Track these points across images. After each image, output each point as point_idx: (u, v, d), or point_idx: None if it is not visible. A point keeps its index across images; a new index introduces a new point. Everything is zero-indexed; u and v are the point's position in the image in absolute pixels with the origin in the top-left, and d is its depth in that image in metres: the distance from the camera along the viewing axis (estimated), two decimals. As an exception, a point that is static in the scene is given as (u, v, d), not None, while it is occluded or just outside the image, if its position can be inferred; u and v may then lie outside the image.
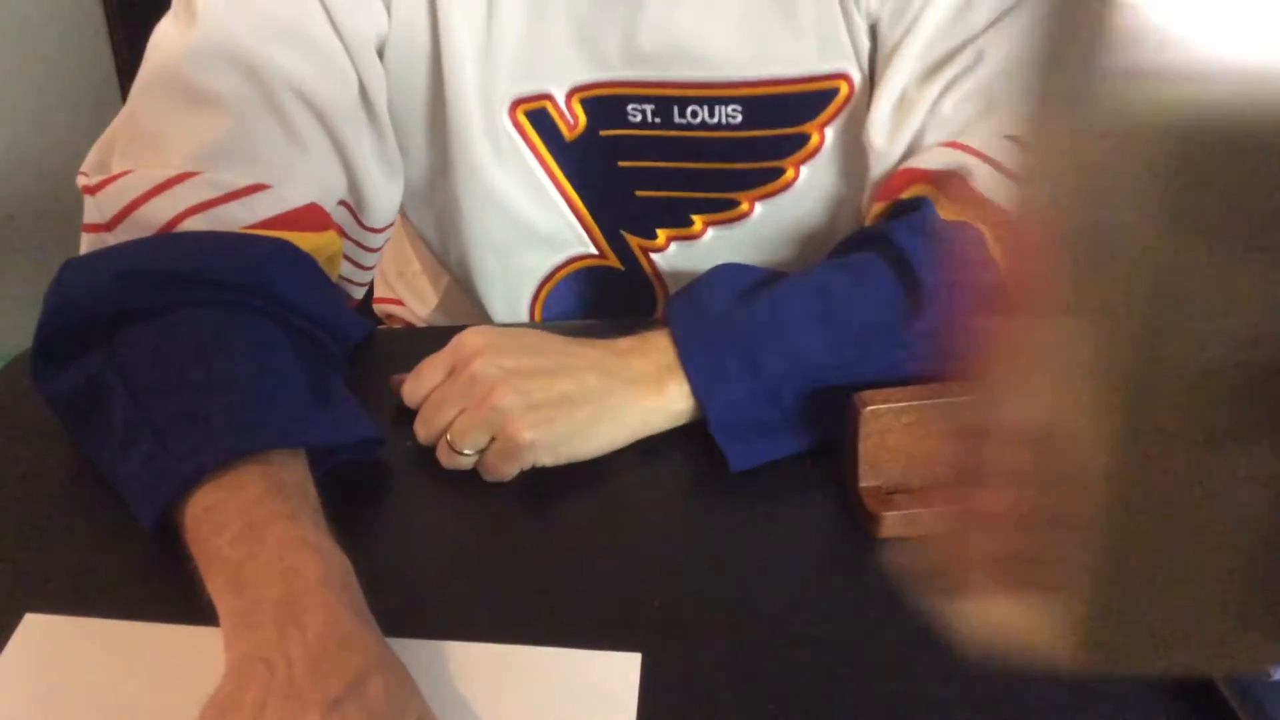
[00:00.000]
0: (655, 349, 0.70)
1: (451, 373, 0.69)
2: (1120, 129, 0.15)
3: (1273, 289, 0.16)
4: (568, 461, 0.68)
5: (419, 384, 0.70)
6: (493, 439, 0.67)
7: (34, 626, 0.60)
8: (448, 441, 0.68)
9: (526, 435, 0.66)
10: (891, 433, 0.65)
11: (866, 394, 0.65)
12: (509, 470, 0.67)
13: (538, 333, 0.72)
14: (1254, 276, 0.16)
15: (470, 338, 0.70)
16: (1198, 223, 0.16)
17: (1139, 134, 0.15)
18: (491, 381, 0.67)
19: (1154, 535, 0.17)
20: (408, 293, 1.01)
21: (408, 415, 0.72)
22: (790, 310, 0.70)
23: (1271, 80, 0.15)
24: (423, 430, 0.69)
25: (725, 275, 0.73)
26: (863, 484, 0.66)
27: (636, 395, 0.69)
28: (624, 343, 0.71)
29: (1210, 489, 0.17)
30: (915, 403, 0.65)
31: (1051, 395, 0.17)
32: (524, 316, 0.89)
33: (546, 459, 0.68)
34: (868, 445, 0.65)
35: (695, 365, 0.69)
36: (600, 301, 0.89)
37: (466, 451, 0.67)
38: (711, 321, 0.70)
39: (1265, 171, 0.15)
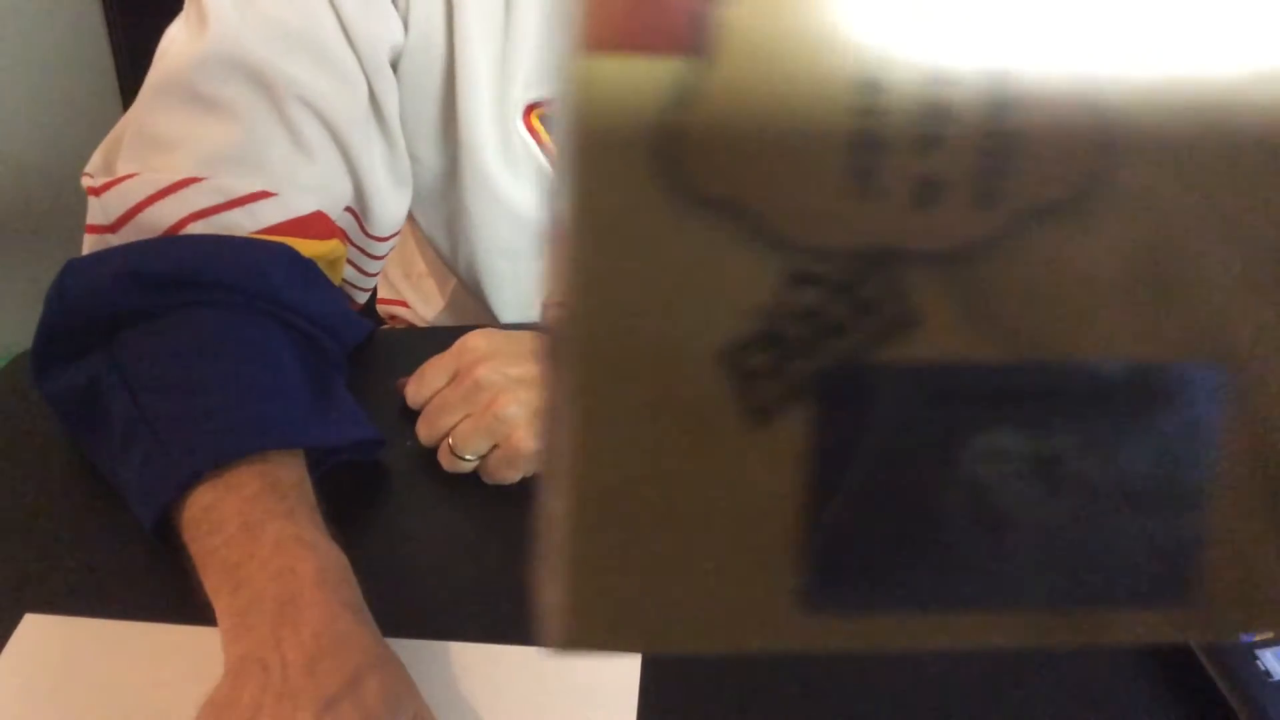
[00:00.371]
0: None
1: (455, 377, 0.69)
2: (597, 102, 0.16)
3: (754, 260, 0.16)
4: None
5: (422, 386, 0.70)
6: (495, 446, 0.67)
7: (34, 626, 0.60)
8: (449, 445, 0.68)
9: (529, 444, 0.66)
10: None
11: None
12: (511, 476, 0.68)
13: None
14: (738, 248, 0.16)
15: (474, 341, 0.70)
16: (682, 197, 0.16)
17: (616, 109, 0.16)
18: (495, 389, 0.67)
19: (647, 513, 0.17)
20: (413, 294, 1.01)
21: (409, 415, 0.72)
22: None
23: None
24: (425, 432, 0.69)
25: None
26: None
27: None
28: None
29: (719, 468, 0.17)
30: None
31: (549, 379, 0.17)
32: (534, 317, 0.89)
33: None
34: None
35: None
36: None
37: (468, 457, 0.68)
38: None
39: (742, 145, 0.16)
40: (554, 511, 0.18)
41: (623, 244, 0.16)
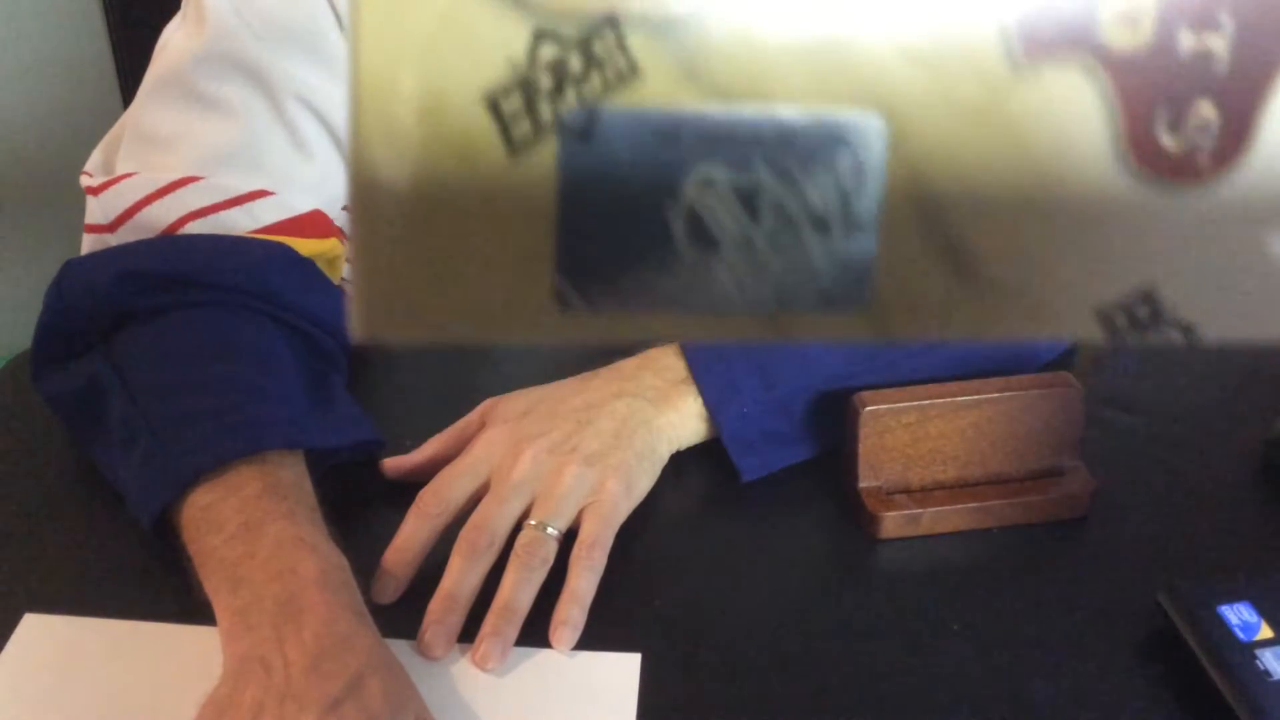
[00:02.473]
0: (664, 366, 0.70)
1: (495, 480, 0.64)
2: None
3: (506, 18, 0.20)
4: (640, 497, 0.66)
5: (452, 497, 0.64)
6: (580, 511, 0.64)
7: (34, 626, 0.60)
8: (531, 526, 0.62)
9: (613, 485, 0.64)
10: (891, 433, 0.65)
11: (866, 394, 0.65)
12: (609, 538, 0.63)
13: (542, 394, 0.69)
14: (492, 7, 0.20)
15: (495, 436, 0.66)
16: None
17: None
18: (556, 465, 0.64)
19: (424, 229, 0.21)
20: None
21: (409, 416, 0.72)
22: None
23: None
24: (484, 538, 0.61)
25: None
26: (863, 484, 0.66)
27: (661, 409, 0.69)
28: (628, 365, 0.70)
29: (485, 192, 0.21)
30: (915, 403, 0.65)
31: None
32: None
33: (626, 504, 0.65)
34: (867, 445, 0.65)
35: (708, 381, 0.69)
36: None
37: (553, 531, 0.62)
38: None
39: None
40: (351, 229, 0.22)
41: (398, 5, 0.20)
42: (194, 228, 0.70)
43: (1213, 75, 0.22)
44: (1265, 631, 0.56)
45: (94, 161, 0.75)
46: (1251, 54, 0.21)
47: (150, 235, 0.70)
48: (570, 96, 0.21)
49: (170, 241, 0.70)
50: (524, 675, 0.58)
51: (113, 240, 0.71)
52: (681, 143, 0.21)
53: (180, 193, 0.70)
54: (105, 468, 0.66)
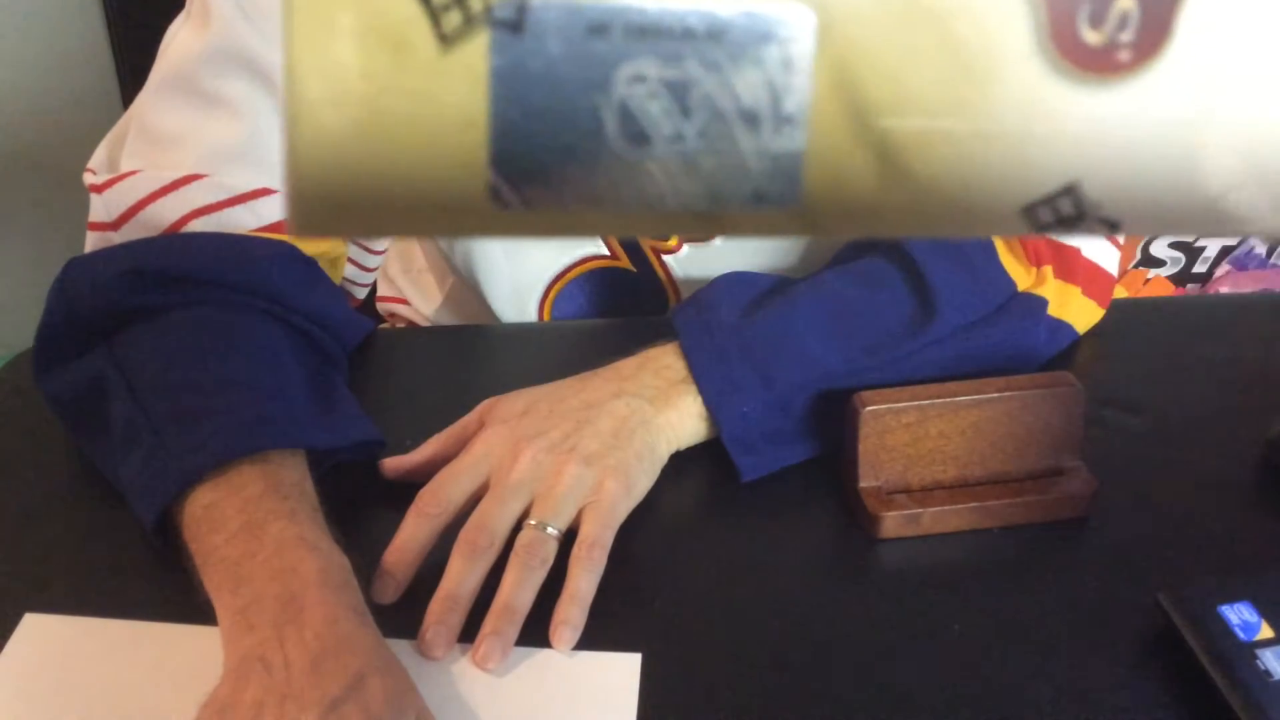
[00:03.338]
0: (664, 366, 0.70)
1: (494, 480, 0.64)
2: None
3: None
4: (639, 497, 0.66)
5: (451, 497, 0.64)
6: (580, 511, 0.63)
7: (34, 626, 0.60)
8: (531, 526, 0.62)
9: (613, 485, 0.64)
10: (891, 433, 0.65)
11: (866, 394, 0.65)
12: (609, 538, 0.63)
13: (541, 394, 0.69)
14: None
15: (494, 436, 0.66)
16: None
17: None
18: (555, 464, 0.64)
19: (358, 122, 0.21)
20: (412, 290, 1.01)
21: (409, 415, 0.72)
22: (801, 320, 0.70)
23: None
24: (484, 538, 0.62)
25: (733, 285, 0.73)
26: (863, 484, 0.66)
27: (661, 409, 0.69)
28: (628, 365, 0.70)
29: (418, 86, 0.21)
30: (915, 403, 0.65)
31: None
32: (532, 317, 0.89)
33: (625, 503, 0.65)
34: (867, 445, 0.65)
35: (708, 380, 0.69)
36: (610, 303, 0.89)
37: (553, 531, 0.62)
38: (722, 334, 0.69)
39: None
40: (284, 124, 0.22)
41: None
42: (198, 226, 0.70)
43: None
44: (1265, 631, 0.56)
45: (98, 159, 0.75)
46: None
47: (154, 233, 0.70)
48: None
49: (174, 240, 0.70)
50: (524, 675, 0.58)
51: (116, 238, 0.71)
52: (612, 36, 0.21)
53: (184, 191, 0.70)
54: (106, 467, 0.66)
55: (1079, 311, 0.77)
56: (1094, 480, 0.67)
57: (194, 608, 0.57)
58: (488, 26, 0.21)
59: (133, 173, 0.71)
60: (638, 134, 0.22)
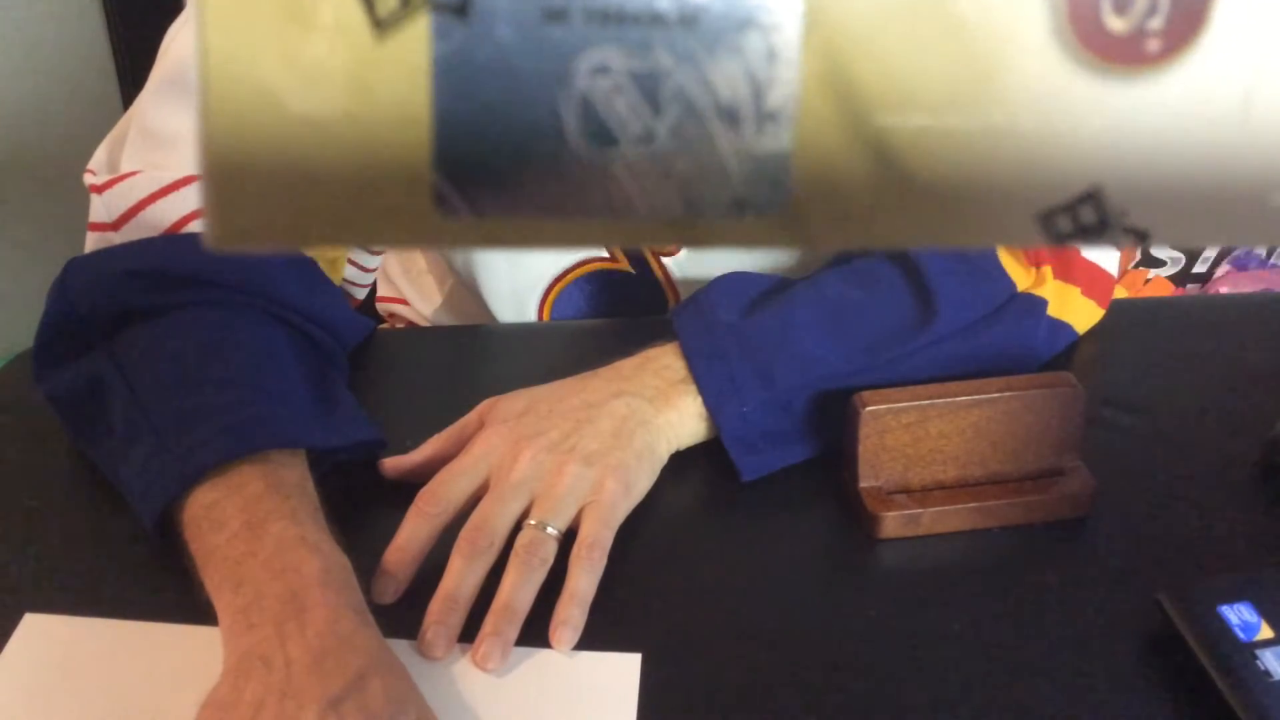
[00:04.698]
0: (664, 366, 0.70)
1: (494, 480, 0.64)
2: None
3: None
4: (639, 497, 0.66)
5: (451, 497, 0.64)
6: (580, 511, 0.63)
7: (34, 626, 0.60)
8: (530, 526, 0.62)
9: (612, 484, 0.64)
10: (891, 433, 0.65)
11: (866, 394, 0.65)
12: (609, 538, 0.63)
13: (541, 394, 0.69)
14: None
15: (494, 436, 0.65)
16: None
17: None
18: (555, 464, 0.64)
19: (282, 121, 0.19)
20: (412, 291, 1.01)
21: (409, 416, 0.72)
22: (800, 320, 0.70)
23: None
24: (484, 538, 0.61)
25: (733, 285, 0.73)
26: (863, 484, 0.66)
27: (661, 409, 0.69)
28: (627, 365, 0.70)
29: (351, 77, 0.19)
30: (915, 403, 0.65)
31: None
32: (531, 317, 0.89)
33: (625, 503, 0.65)
34: (867, 445, 0.65)
35: (708, 380, 0.69)
36: (609, 304, 0.89)
37: (552, 530, 0.62)
38: (721, 334, 0.69)
39: None
40: (198, 124, 0.19)
41: None
42: (198, 226, 0.70)
43: None
44: (1265, 631, 0.56)
45: (98, 159, 0.75)
46: None
47: (154, 234, 0.70)
48: None
49: (173, 240, 0.70)
50: (524, 675, 0.58)
51: (116, 239, 0.71)
52: (571, 21, 0.19)
53: (184, 191, 0.70)
54: (106, 467, 0.66)
55: (1079, 312, 0.77)
56: (1094, 480, 0.67)
57: (194, 608, 0.58)
58: (429, 10, 0.19)
59: (133, 173, 0.71)
60: (602, 133, 0.20)
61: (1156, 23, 0.20)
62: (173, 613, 0.60)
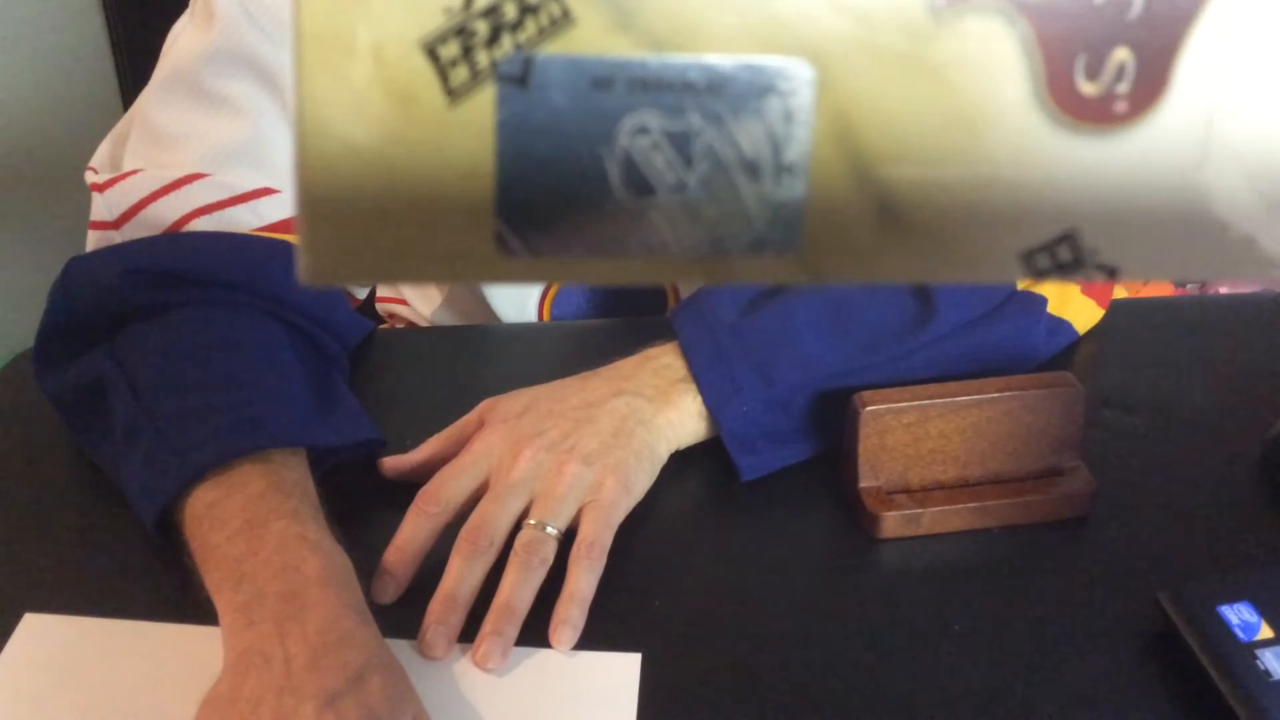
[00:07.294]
0: (664, 365, 0.70)
1: (494, 480, 0.64)
2: None
3: None
4: (639, 496, 0.66)
5: (451, 497, 0.64)
6: (579, 511, 0.63)
7: (34, 626, 0.60)
8: (530, 525, 0.62)
9: (612, 484, 0.64)
10: (891, 433, 0.65)
11: (866, 394, 0.65)
12: (608, 538, 0.63)
13: (541, 394, 0.69)
14: None
15: (493, 436, 0.66)
16: None
17: None
18: (555, 463, 0.64)
19: (368, 174, 0.22)
20: (412, 291, 1.01)
21: (409, 415, 0.72)
22: (800, 319, 0.70)
23: None
24: (484, 538, 0.61)
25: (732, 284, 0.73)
26: (863, 484, 0.66)
27: (660, 408, 0.69)
28: (627, 365, 0.70)
29: (426, 138, 0.22)
30: (915, 403, 0.65)
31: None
32: (531, 316, 0.89)
33: (625, 503, 0.65)
34: (867, 445, 0.65)
35: (707, 379, 0.68)
36: (609, 301, 0.89)
37: (552, 530, 0.62)
38: (721, 333, 0.69)
39: None
40: (296, 176, 0.22)
41: None
42: (199, 225, 0.70)
43: (1128, 21, 0.22)
44: (1265, 631, 0.56)
45: (99, 158, 0.75)
46: (1166, 1, 0.22)
47: (155, 232, 0.70)
48: (506, 43, 0.22)
49: (175, 239, 0.70)
50: (524, 675, 0.58)
51: (118, 237, 0.71)
52: (615, 89, 0.22)
53: (186, 190, 0.70)
54: (107, 466, 0.66)
55: (1078, 310, 0.77)
56: (1094, 480, 0.67)
57: (194, 607, 0.58)
58: (494, 81, 0.22)
59: (134, 172, 0.71)
60: (641, 183, 0.23)
61: (1124, 87, 0.23)
62: (173, 613, 0.60)
